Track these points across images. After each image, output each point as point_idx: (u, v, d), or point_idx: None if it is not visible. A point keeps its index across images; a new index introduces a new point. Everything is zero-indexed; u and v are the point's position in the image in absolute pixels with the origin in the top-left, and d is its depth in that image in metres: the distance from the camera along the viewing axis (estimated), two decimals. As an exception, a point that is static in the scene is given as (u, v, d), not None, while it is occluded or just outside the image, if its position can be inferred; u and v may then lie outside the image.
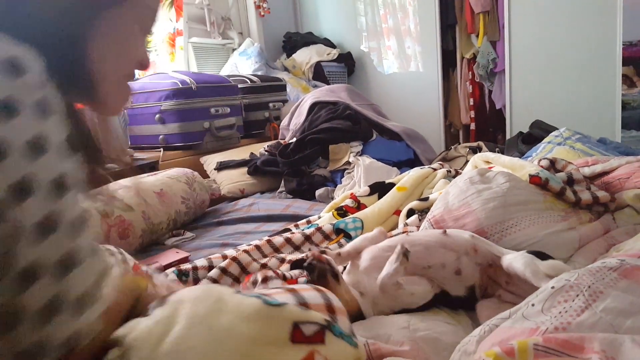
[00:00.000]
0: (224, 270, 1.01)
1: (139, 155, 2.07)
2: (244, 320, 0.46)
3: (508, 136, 3.02)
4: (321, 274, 0.72)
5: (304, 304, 0.53)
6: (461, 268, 0.77)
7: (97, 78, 0.51)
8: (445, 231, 0.82)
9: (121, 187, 1.43)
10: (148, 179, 1.54)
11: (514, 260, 0.75)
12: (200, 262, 1.06)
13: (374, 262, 0.78)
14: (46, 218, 0.38)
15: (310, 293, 0.56)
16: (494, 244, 0.85)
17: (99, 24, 0.51)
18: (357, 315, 0.73)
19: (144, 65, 0.59)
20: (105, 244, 0.96)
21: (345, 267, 0.84)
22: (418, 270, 0.75)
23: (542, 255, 0.78)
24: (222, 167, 2.11)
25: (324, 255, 0.75)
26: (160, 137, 2.20)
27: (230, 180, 2.03)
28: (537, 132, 1.88)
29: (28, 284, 0.37)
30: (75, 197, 0.42)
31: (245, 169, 2.09)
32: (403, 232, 1.09)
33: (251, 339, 0.45)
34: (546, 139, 1.59)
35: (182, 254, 1.25)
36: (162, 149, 2.16)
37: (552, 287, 0.61)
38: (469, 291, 0.78)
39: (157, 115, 2.18)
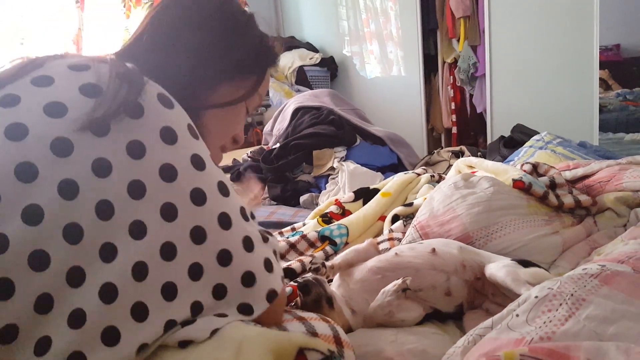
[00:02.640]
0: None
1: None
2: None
3: (489, 139, 3.06)
4: (316, 298, 0.71)
5: (313, 333, 0.55)
6: (451, 289, 0.77)
7: (204, 141, 0.58)
8: (434, 250, 0.81)
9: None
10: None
11: (496, 270, 0.75)
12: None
13: (364, 285, 0.77)
14: None
15: (319, 323, 0.58)
16: (481, 251, 0.85)
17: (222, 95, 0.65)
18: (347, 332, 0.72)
19: (237, 142, 0.70)
20: None
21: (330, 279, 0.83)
22: (409, 294, 0.74)
23: (526, 263, 0.79)
24: (204, 173, 2.07)
25: (318, 277, 0.75)
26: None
27: (213, 187, 2.00)
28: (519, 136, 1.90)
29: None
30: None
31: (227, 176, 2.07)
32: (389, 239, 1.08)
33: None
34: (528, 143, 1.61)
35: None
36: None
37: (536, 297, 0.61)
38: (457, 308, 0.78)
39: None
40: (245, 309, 0.53)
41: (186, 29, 0.63)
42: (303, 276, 0.81)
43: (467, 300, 0.79)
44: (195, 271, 0.51)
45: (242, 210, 0.57)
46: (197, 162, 0.53)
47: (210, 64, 0.63)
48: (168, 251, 0.49)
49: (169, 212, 0.50)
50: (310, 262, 1.00)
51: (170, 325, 0.48)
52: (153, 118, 0.52)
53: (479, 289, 0.80)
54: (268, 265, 0.57)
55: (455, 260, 0.79)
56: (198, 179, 0.53)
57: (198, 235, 0.51)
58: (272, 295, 0.55)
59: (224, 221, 0.53)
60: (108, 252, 0.46)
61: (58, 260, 0.44)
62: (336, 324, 0.60)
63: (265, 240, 0.59)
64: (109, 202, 0.47)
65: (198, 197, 0.52)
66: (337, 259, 0.82)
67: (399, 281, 0.72)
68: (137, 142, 0.50)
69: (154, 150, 0.50)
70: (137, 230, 0.48)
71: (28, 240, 0.44)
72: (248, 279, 0.54)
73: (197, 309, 0.50)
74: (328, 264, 0.79)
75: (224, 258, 0.52)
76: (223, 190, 0.55)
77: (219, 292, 0.52)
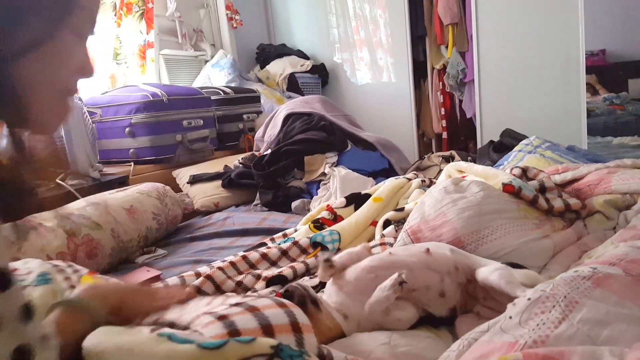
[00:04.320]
0: (197, 290, 0.97)
1: (108, 170, 2.00)
2: None
3: (479, 144, 3.08)
4: (300, 300, 0.70)
5: (266, 326, 0.51)
6: (445, 290, 0.76)
7: (26, 99, 0.45)
8: (428, 250, 0.80)
9: (89, 204, 1.37)
10: (117, 195, 1.49)
11: (488, 273, 0.75)
12: (173, 281, 1.02)
13: (358, 285, 0.76)
14: None
15: (274, 311, 0.54)
16: (471, 255, 0.85)
17: (25, 40, 0.44)
18: (339, 338, 0.71)
19: (86, 71, 0.52)
20: (54, 261, 0.92)
21: (318, 286, 0.82)
22: (403, 293, 0.74)
23: (515, 267, 0.79)
24: (195, 180, 2.06)
25: (301, 283, 0.74)
26: (131, 151, 2.14)
27: (204, 194, 1.99)
28: (508, 141, 1.92)
29: None
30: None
31: (219, 182, 2.05)
32: (380, 244, 1.08)
33: None
34: (517, 148, 1.62)
35: (153, 273, 1.21)
36: (132, 163, 2.10)
37: (529, 299, 0.61)
38: (451, 312, 0.78)
39: (127, 129, 2.12)
40: None
41: None
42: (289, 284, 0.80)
43: (460, 304, 0.79)
44: None
45: None
46: None
47: None
48: None
49: None
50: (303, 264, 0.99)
51: None
52: None
53: (471, 293, 0.80)
54: None
55: (449, 261, 0.79)
56: None
57: None
58: None
59: None
60: None
61: None
62: (293, 307, 0.56)
63: None
64: None
65: None
66: (336, 259, 0.81)
67: (395, 275, 0.72)
68: None
69: None
70: None
71: None
72: None
73: None
74: (327, 263, 0.78)
75: None
76: None
77: None
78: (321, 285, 0.92)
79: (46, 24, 0.45)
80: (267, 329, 0.52)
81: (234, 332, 0.51)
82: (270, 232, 1.49)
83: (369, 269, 0.78)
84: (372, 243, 1.12)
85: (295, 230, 1.35)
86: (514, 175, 1.11)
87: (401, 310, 0.72)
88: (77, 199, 1.48)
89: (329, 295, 0.78)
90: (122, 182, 1.90)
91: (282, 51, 3.62)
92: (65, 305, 0.57)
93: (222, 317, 0.53)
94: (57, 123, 0.51)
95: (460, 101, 3.42)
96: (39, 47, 0.45)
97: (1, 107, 0.45)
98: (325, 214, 1.36)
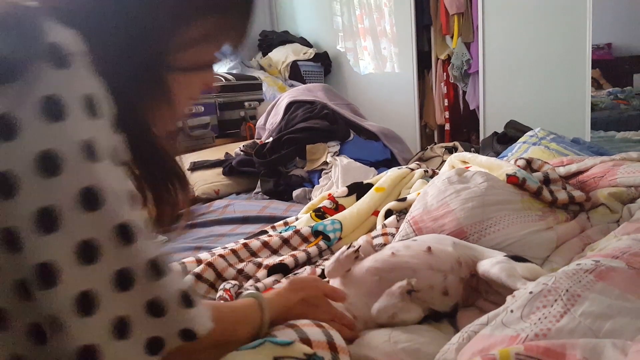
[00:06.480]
0: (198, 276, 0.97)
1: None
2: None
3: (482, 136, 3.07)
4: None
5: (304, 339, 0.53)
6: (448, 288, 0.76)
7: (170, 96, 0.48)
8: (429, 248, 0.79)
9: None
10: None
11: (489, 266, 0.74)
12: (173, 267, 1.01)
13: (362, 287, 0.75)
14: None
15: (311, 329, 0.56)
16: (475, 246, 0.85)
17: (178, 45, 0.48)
18: None
19: (208, 87, 0.56)
20: None
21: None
22: (412, 296, 0.73)
23: (518, 259, 0.78)
24: (195, 167, 2.05)
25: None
26: (132, 136, 2.13)
27: (205, 181, 1.98)
28: (512, 132, 1.91)
29: None
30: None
31: (220, 170, 2.05)
32: (382, 234, 1.08)
33: None
34: (521, 139, 1.61)
35: (154, 259, 1.20)
36: (133, 149, 2.09)
37: (530, 292, 0.60)
38: (453, 307, 0.77)
39: (128, 114, 2.11)
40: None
41: None
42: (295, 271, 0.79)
43: (463, 299, 0.78)
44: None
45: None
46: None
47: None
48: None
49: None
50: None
51: None
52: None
53: (474, 287, 0.80)
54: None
55: (451, 258, 0.78)
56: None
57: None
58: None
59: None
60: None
61: None
62: (331, 329, 0.58)
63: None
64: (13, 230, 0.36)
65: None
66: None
67: (404, 283, 0.71)
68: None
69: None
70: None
71: None
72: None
73: None
74: (351, 251, 0.78)
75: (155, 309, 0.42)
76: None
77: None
78: (321, 278, 0.91)
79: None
80: (305, 342, 0.54)
81: (305, 339, 0.54)
82: (271, 220, 1.48)
83: (373, 271, 0.77)
84: (373, 233, 1.11)
85: (297, 219, 1.34)
86: (519, 166, 1.10)
87: (407, 313, 0.72)
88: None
89: None
90: (123, 167, 1.89)
91: (285, 38, 3.59)
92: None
93: (293, 326, 0.57)
94: (176, 124, 0.56)
95: (464, 92, 3.40)
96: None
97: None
98: (326, 203, 1.36)
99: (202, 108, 2.33)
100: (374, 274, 0.76)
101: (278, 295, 0.65)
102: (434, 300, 0.75)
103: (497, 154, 1.72)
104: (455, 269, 0.77)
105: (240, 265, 1.03)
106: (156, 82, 0.46)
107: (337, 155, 1.97)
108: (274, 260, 1.05)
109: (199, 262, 1.03)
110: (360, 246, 0.79)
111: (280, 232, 1.20)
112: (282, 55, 3.40)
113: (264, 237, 1.16)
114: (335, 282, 0.80)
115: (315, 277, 0.75)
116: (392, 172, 1.45)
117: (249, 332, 0.56)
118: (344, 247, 0.79)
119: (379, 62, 3.56)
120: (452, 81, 3.40)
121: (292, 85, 3.13)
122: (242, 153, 2.13)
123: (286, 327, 0.57)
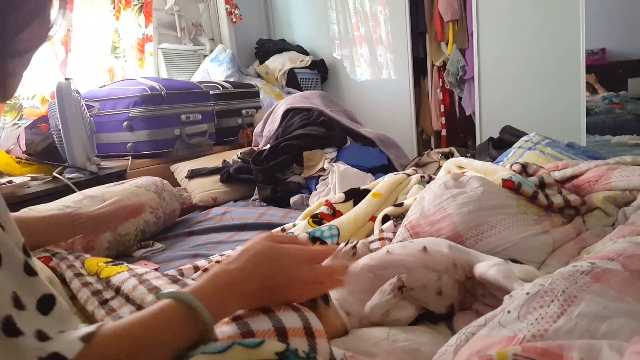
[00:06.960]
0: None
1: (105, 164, 2.00)
2: None
3: (478, 142, 3.08)
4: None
5: (280, 329, 0.52)
6: (442, 288, 0.76)
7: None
8: (425, 248, 0.80)
9: (86, 197, 1.37)
10: (115, 189, 1.48)
11: (486, 269, 0.74)
12: (171, 274, 1.01)
13: (357, 284, 0.76)
14: None
15: (288, 315, 0.54)
16: (470, 250, 0.85)
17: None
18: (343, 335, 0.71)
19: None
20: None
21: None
22: (404, 293, 0.73)
23: (515, 263, 0.78)
24: (193, 175, 2.06)
25: None
26: (129, 144, 2.14)
27: (202, 189, 1.99)
28: (508, 137, 1.92)
29: None
30: None
31: (217, 177, 2.05)
32: (379, 239, 1.08)
33: None
34: (516, 144, 1.62)
35: (151, 266, 1.20)
36: (130, 157, 2.09)
37: (527, 293, 0.61)
38: (449, 309, 0.77)
39: (125, 123, 2.11)
40: None
41: None
42: None
43: (458, 301, 0.78)
44: None
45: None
46: None
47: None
48: None
49: None
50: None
51: None
52: None
53: (470, 289, 0.80)
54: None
55: (446, 259, 0.78)
56: None
57: None
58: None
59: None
60: None
61: None
62: (307, 311, 0.56)
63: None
64: None
65: None
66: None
67: (394, 279, 0.71)
68: None
69: None
70: None
71: None
72: None
73: None
74: (348, 249, 0.78)
75: None
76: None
77: None
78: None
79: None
80: (281, 332, 0.52)
81: (247, 333, 0.51)
82: (268, 227, 1.48)
83: (368, 269, 0.77)
84: (370, 238, 1.11)
85: (294, 225, 1.34)
86: (514, 171, 1.11)
87: (400, 310, 0.72)
88: (74, 192, 1.47)
89: (331, 292, 0.78)
90: (119, 176, 1.89)
91: (282, 46, 3.61)
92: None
93: (237, 318, 0.53)
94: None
95: (460, 98, 3.42)
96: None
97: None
98: (324, 209, 1.36)
99: (200, 116, 2.34)
100: (368, 271, 0.76)
101: (215, 279, 0.54)
102: (428, 299, 0.75)
103: (492, 159, 1.72)
104: (450, 270, 0.77)
105: (237, 272, 1.03)
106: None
107: (334, 162, 1.98)
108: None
109: (196, 269, 1.03)
110: (358, 241, 0.79)
111: (278, 239, 1.20)
112: (279, 63, 3.42)
113: (262, 244, 1.16)
114: None
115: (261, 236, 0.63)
116: (389, 178, 1.45)
117: (183, 343, 0.48)
118: (342, 244, 0.80)
119: (375, 69, 3.58)
120: (448, 87, 3.42)
121: (289, 93, 3.14)
122: (239, 160, 2.13)
123: (262, 313, 0.54)
